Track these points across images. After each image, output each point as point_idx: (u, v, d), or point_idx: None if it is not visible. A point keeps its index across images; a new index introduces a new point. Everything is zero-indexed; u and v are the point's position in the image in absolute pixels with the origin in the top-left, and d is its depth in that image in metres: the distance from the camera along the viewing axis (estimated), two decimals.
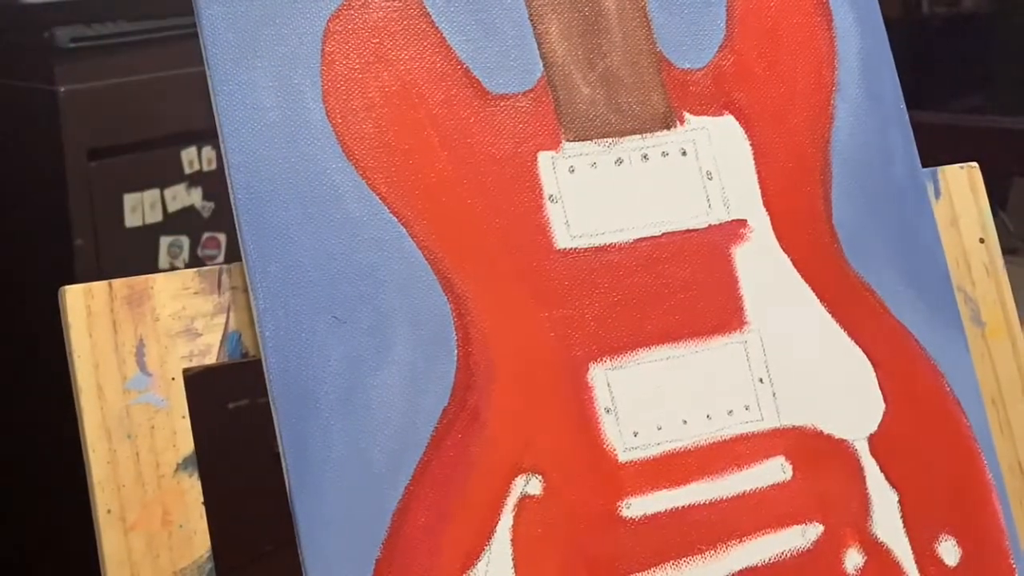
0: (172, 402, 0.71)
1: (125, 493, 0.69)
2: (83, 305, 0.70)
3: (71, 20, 1.74)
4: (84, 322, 0.70)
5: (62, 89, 1.72)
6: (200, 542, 0.70)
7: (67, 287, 0.70)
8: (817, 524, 0.81)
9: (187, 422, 0.71)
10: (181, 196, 1.84)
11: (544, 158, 0.80)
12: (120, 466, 0.69)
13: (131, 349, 0.70)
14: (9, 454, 1.87)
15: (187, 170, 1.84)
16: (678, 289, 0.81)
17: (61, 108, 1.72)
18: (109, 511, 0.68)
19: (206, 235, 1.87)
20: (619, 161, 0.82)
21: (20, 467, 1.87)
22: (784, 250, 0.85)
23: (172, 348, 0.71)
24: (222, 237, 1.87)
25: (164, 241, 1.83)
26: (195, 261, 1.85)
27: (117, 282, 0.71)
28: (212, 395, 0.78)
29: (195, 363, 0.72)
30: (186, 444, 0.71)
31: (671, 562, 0.77)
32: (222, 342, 0.73)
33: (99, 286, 0.71)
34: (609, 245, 0.80)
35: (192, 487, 0.70)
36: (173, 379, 0.71)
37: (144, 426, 0.70)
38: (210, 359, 0.72)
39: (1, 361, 1.86)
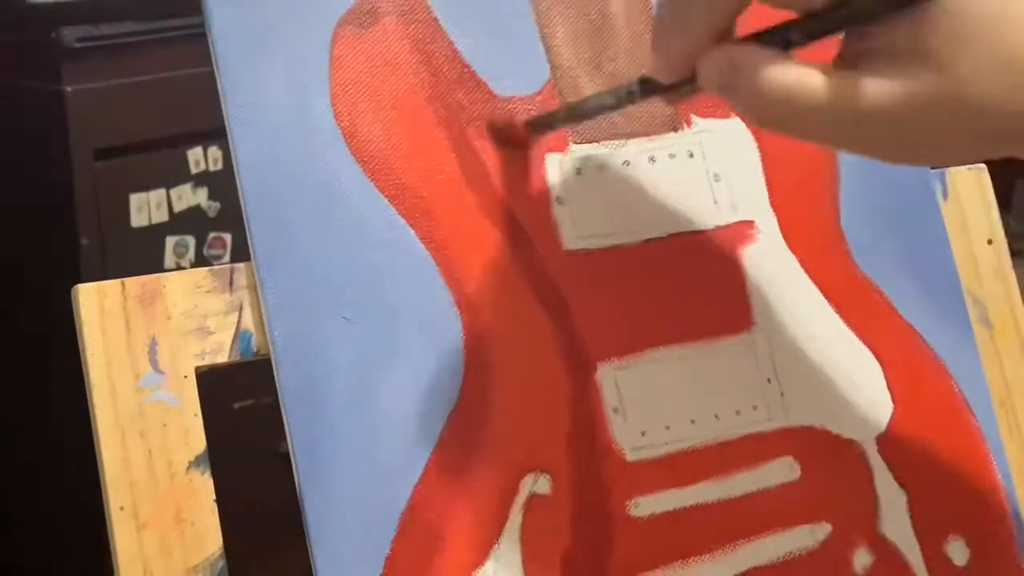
0: (184, 400, 0.71)
1: (137, 490, 0.69)
2: (96, 303, 0.70)
3: (78, 20, 1.75)
4: (97, 320, 0.70)
5: (68, 89, 1.73)
6: (212, 540, 0.70)
7: (80, 285, 0.70)
8: (825, 524, 0.81)
9: (199, 420, 0.71)
10: (187, 196, 1.84)
11: (551, 160, 0.80)
12: (132, 464, 0.69)
13: (144, 347, 0.71)
14: (17, 453, 1.87)
15: (193, 170, 1.84)
16: (686, 290, 0.81)
17: (67, 108, 1.73)
18: (122, 508, 0.69)
19: (212, 235, 1.87)
20: (626, 163, 0.82)
21: (28, 466, 1.87)
22: (791, 250, 0.85)
23: (184, 346, 0.72)
24: (228, 237, 1.87)
25: (170, 241, 1.83)
26: (201, 261, 1.85)
27: (130, 280, 0.71)
28: (217, 395, 0.78)
29: (207, 361, 0.72)
30: (198, 442, 0.71)
31: (679, 561, 0.77)
32: (234, 340, 0.73)
33: (112, 284, 0.71)
34: (617, 246, 0.80)
35: (204, 485, 0.71)
36: (185, 377, 0.71)
37: (156, 424, 0.70)
38: (222, 357, 0.72)
39: (8, 360, 1.86)
